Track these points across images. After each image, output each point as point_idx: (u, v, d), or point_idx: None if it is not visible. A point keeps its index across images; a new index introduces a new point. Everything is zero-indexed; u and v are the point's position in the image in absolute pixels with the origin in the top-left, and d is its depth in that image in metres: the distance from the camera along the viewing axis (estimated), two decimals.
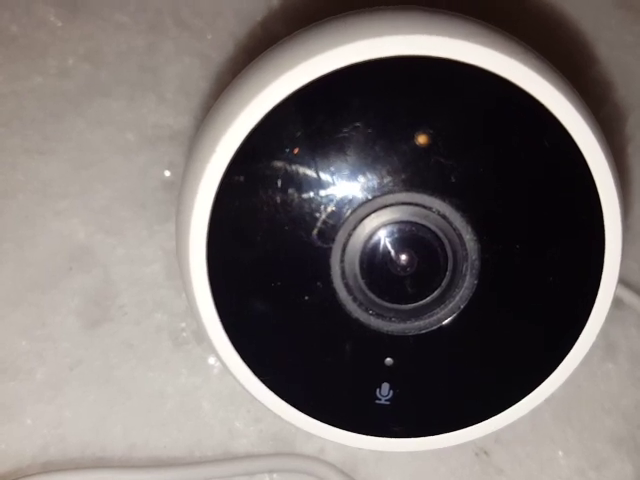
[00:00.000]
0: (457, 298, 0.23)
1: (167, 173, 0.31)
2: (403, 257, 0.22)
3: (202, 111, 0.32)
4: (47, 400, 0.30)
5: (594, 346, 0.31)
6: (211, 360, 0.30)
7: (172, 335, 0.30)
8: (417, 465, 0.30)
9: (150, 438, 0.30)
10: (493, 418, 0.24)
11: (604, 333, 0.32)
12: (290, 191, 0.21)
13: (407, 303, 0.23)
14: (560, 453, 0.31)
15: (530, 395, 0.24)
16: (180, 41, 0.32)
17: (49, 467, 0.29)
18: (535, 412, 0.31)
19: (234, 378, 0.23)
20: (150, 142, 0.31)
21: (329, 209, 0.21)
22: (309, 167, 0.21)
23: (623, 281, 0.31)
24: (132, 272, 0.31)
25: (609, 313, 0.31)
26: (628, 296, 0.31)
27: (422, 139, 0.21)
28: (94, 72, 0.32)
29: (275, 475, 0.30)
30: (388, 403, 0.23)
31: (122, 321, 0.30)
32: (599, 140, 0.21)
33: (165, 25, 0.32)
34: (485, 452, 0.31)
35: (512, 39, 0.22)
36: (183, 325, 0.30)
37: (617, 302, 0.31)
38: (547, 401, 0.29)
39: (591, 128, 0.21)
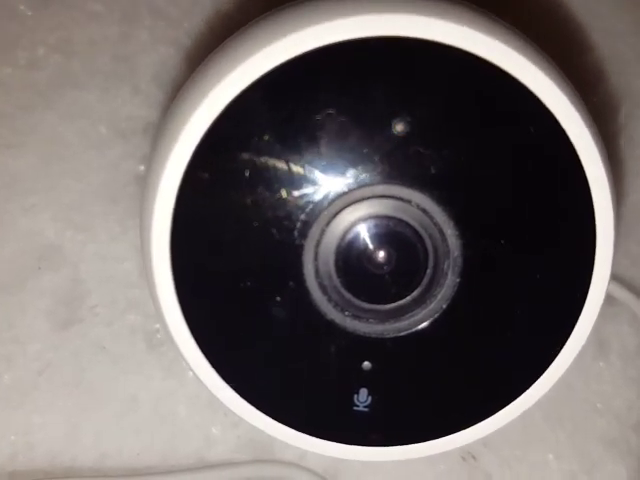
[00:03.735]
0: (438, 297, 0.21)
1: (141, 167, 0.30)
2: (381, 254, 0.21)
3: None
4: (14, 406, 0.29)
5: (585, 344, 0.30)
6: None
7: (146, 337, 0.29)
8: (402, 470, 0.29)
9: (123, 445, 0.29)
10: (481, 423, 0.23)
11: (595, 331, 0.30)
12: (258, 184, 0.20)
13: (385, 303, 0.21)
14: (550, 456, 0.30)
15: (520, 398, 0.23)
16: (155, 30, 0.31)
17: (16, 477, 0.28)
18: (525, 413, 0.30)
19: (204, 385, 0.22)
20: (123, 135, 0.30)
21: (301, 203, 0.20)
22: (278, 158, 0.20)
23: (614, 277, 0.30)
24: (104, 270, 0.30)
25: (600, 310, 0.30)
26: (620, 292, 0.30)
27: (400, 127, 0.19)
28: (65, 63, 0.31)
29: None
30: (367, 410, 0.22)
31: (93, 322, 0.29)
32: (590, 128, 0.20)
33: (140, 13, 0.32)
34: (473, 456, 0.30)
35: (497, 21, 0.21)
36: (157, 326, 0.29)
37: (608, 298, 0.30)
38: (537, 402, 0.28)
39: (581, 115, 0.20)
